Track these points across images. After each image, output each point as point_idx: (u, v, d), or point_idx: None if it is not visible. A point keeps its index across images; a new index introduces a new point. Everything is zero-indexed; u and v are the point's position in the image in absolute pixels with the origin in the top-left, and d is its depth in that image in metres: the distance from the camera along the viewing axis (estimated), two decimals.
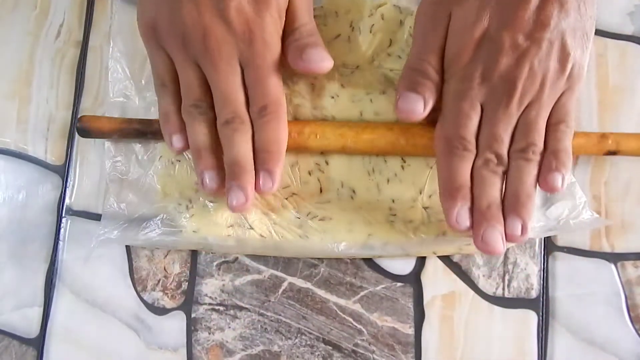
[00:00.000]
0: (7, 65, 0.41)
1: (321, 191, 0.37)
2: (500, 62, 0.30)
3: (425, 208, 0.36)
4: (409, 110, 0.32)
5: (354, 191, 0.37)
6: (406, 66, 0.33)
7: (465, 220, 0.31)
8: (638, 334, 0.35)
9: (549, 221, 0.35)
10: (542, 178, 0.31)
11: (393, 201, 0.36)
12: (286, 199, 0.37)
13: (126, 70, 0.39)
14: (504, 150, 0.31)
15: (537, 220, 0.35)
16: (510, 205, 0.31)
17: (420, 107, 0.32)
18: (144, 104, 0.39)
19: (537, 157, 0.31)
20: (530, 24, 0.30)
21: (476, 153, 0.32)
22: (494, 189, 0.31)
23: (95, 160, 0.40)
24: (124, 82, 0.39)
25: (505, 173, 0.32)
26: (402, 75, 0.33)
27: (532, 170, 0.31)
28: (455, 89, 0.32)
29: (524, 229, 0.31)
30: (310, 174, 0.37)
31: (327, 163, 0.37)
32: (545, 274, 0.36)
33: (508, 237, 0.31)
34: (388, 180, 0.37)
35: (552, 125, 0.32)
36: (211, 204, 0.37)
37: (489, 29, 0.31)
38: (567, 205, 0.35)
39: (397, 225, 0.36)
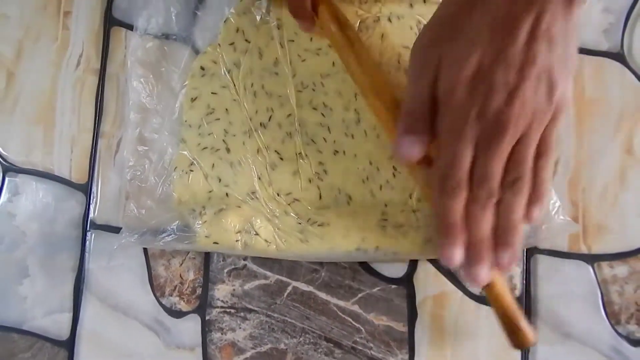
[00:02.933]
0: (33, 93, 0.44)
1: (320, 197, 0.40)
2: (493, 99, 0.30)
3: (414, 211, 0.39)
4: (407, 154, 0.34)
5: (350, 197, 0.40)
6: (402, 110, 0.34)
7: (455, 259, 0.33)
8: (613, 328, 0.38)
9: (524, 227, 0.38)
10: (525, 210, 0.33)
11: (386, 205, 0.39)
12: (289, 204, 0.40)
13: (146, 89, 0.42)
14: (495, 184, 0.32)
15: None
16: (501, 236, 0.33)
17: (417, 150, 0.33)
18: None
19: (526, 187, 0.33)
20: (520, 60, 0.30)
21: (470, 186, 0.33)
22: (483, 223, 0.33)
23: (115, 178, 0.43)
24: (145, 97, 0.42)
25: (497, 202, 0.33)
26: (399, 119, 0.34)
27: (521, 201, 0.33)
28: (449, 128, 0.32)
29: (512, 258, 0.33)
30: (310, 181, 0.40)
31: (325, 172, 0.40)
32: (527, 275, 0.39)
33: (497, 266, 0.33)
34: (381, 187, 0.40)
35: (537, 156, 0.33)
36: (221, 211, 0.39)
37: (480, 66, 0.30)
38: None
39: (388, 230, 0.39)
